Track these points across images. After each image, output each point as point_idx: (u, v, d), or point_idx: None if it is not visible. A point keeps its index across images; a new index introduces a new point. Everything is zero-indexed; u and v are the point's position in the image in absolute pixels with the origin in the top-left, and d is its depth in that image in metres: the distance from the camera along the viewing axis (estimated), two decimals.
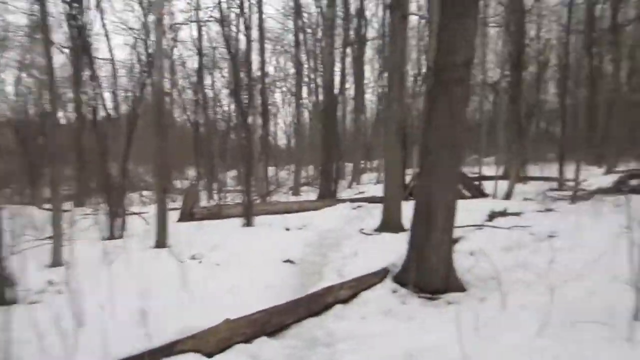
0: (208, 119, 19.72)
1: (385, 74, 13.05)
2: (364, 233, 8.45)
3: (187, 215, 11.35)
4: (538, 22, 21.28)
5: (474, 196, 12.67)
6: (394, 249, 6.79)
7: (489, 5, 18.41)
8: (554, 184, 13.87)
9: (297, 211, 11.89)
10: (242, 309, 4.13)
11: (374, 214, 10.81)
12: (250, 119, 17.70)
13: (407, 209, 9.86)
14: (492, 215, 8.77)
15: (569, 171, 14.47)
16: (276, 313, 4.24)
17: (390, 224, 8.50)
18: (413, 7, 20.17)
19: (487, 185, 13.59)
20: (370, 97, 30.86)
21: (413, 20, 21.53)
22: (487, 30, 21.12)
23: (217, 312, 4.04)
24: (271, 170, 22.23)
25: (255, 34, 17.70)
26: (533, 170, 18.47)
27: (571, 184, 13.13)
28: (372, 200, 12.39)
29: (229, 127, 19.74)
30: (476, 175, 15.70)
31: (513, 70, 16.13)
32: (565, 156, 14.96)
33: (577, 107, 20.40)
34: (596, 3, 19.60)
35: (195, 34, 19.73)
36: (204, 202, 15.29)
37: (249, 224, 10.16)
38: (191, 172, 23.09)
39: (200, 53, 19.01)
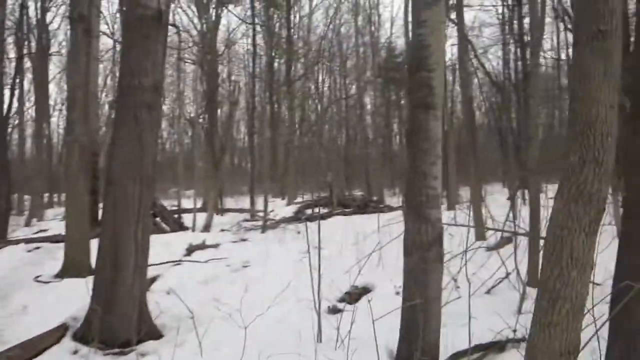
0: None
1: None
2: (40, 281, 6.88)
3: None
4: (229, 66, 22.97)
5: (173, 230, 12.26)
6: (78, 298, 5.72)
7: (185, 42, 18.76)
8: (247, 215, 14.82)
9: None
10: None
11: (58, 256, 9.07)
12: None
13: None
14: (191, 249, 8.55)
15: (259, 203, 15.81)
16: None
17: (75, 267, 7.20)
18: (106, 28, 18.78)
19: (187, 218, 13.42)
20: (57, 121, 27.19)
21: (108, 42, 20.04)
22: (184, 66, 21.51)
23: None
24: None
25: None
26: (229, 202, 19.43)
27: (261, 214, 14.30)
28: (55, 239, 10.46)
29: None
30: (176, 208, 15.39)
31: (208, 108, 16.78)
32: (255, 189, 16.28)
33: (263, 146, 22.69)
34: (274, 57, 22.54)
35: None
36: None
37: None
38: None
39: None
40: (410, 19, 5.31)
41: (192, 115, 24.81)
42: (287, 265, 6.66)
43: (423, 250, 3.06)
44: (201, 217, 13.23)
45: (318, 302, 4.18)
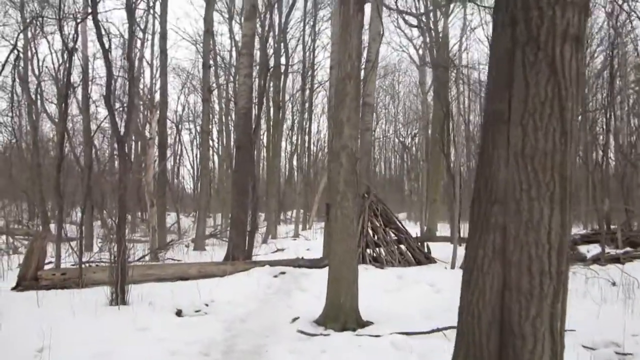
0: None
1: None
2: (303, 332, 4.95)
3: (30, 280, 7.25)
4: None
5: (419, 262, 9.89)
6: None
7: None
8: None
9: (195, 277, 8.18)
10: None
11: (304, 286, 7.50)
12: (146, 153, 13.83)
13: (368, 282, 6.51)
14: None
15: None
16: None
17: (340, 312, 5.17)
18: None
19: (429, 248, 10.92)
20: (284, 144, 28.36)
21: None
22: None
23: None
24: (171, 217, 18.11)
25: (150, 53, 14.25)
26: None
27: None
28: (298, 263, 9.08)
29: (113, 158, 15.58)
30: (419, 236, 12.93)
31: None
32: None
33: None
34: None
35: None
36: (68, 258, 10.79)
37: (119, 300, 6.29)
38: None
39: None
40: None
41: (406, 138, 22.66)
42: None
43: None
44: (444, 247, 10.70)
45: None
